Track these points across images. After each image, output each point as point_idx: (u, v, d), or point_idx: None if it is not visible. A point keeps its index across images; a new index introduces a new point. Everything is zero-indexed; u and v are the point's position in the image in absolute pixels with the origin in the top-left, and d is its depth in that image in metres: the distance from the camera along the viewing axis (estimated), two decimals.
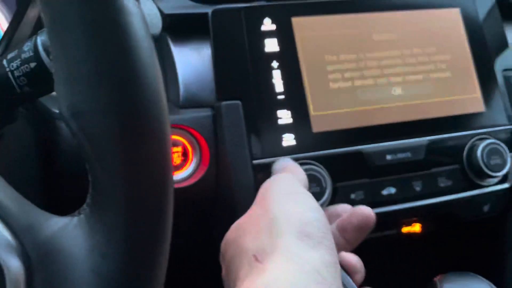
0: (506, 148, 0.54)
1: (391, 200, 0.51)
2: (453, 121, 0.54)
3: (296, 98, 0.50)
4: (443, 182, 0.53)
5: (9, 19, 0.48)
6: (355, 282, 0.35)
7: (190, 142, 0.49)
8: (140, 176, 0.22)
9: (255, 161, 0.47)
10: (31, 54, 0.31)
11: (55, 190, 0.47)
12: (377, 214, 0.39)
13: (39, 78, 0.31)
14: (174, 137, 0.48)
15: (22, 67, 0.31)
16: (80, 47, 0.20)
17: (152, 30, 0.39)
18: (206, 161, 0.49)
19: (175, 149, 0.48)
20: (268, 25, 0.51)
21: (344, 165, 0.50)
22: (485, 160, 0.53)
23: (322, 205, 0.46)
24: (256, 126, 0.48)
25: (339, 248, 0.36)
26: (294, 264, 0.27)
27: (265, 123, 0.48)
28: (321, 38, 0.52)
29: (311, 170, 0.47)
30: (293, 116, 0.49)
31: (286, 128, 0.49)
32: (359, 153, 0.50)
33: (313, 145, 0.49)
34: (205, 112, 0.49)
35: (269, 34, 0.50)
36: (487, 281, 0.52)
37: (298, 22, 0.51)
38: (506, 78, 0.58)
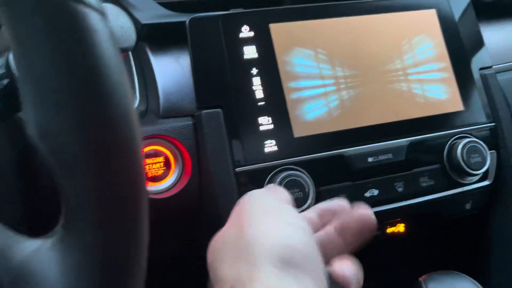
0: (485, 146, 0.55)
1: (374, 202, 0.51)
2: (433, 121, 0.55)
3: (276, 104, 0.50)
4: (425, 182, 0.54)
5: None
6: None
7: (171, 152, 0.48)
8: (112, 195, 0.21)
9: (237, 169, 0.47)
10: (3, 71, 0.31)
11: (37, 204, 0.46)
12: None
13: (12, 95, 0.31)
14: (155, 147, 0.48)
15: None
16: (45, 68, 0.20)
17: (126, 43, 0.39)
18: (188, 170, 0.48)
19: (156, 159, 0.48)
20: (246, 32, 0.51)
21: (327, 169, 0.50)
22: (465, 159, 0.53)
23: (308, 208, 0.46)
24: (238, 133, 0.48)
25: (337, 250, 0.32)
26: None
27: (247, 130, 0.48)
28: (299, 43, 0.52)
29: (294, 175, 0.47)
30: (274, 122, 0.49)
31: (268, 135, 0.49)
32: (340, 157, 0.50)
33: (295, 151, 0.49)
34: (186, 121, 0.49)
35: (248, 41, 0.50)
36: (471, 279, 0.53)
37: (276, 28, 0.51)
38: (482, 77, 0.58)
